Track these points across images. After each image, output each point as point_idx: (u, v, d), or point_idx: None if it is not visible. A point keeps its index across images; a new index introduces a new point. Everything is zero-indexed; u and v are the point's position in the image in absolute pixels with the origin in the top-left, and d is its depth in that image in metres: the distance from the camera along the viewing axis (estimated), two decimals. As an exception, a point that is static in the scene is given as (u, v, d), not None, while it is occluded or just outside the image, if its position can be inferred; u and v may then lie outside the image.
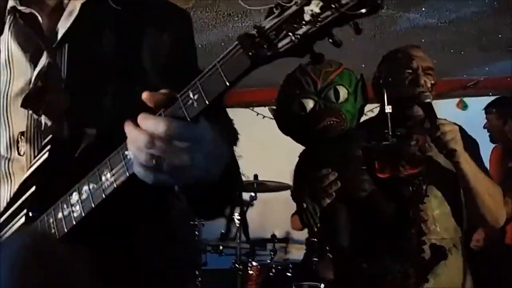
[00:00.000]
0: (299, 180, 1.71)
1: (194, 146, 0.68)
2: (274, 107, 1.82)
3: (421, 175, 1.46)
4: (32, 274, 0.72)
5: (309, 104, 1.63)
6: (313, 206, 1.52)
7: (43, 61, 0.89)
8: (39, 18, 0.91)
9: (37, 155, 0.87)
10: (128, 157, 0.73)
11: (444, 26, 3.17)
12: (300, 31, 0.60)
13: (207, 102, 0.66)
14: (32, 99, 0.87)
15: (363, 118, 1.74)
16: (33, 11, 0.92)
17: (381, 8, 0.59)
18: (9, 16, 0.93)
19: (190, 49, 1.03)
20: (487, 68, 4.26)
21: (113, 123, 0.75)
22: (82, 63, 0.90)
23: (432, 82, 1.62)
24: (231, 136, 1.02)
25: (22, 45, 0.92)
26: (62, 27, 0.91)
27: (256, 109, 4.96)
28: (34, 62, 0.90)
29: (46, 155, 0.84)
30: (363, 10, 0.58)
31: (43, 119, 0.88)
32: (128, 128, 0.70)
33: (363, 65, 3.16)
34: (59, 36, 0.91)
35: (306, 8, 0.60)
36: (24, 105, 0.87)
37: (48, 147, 0.85)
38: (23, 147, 0.89)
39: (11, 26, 0.93)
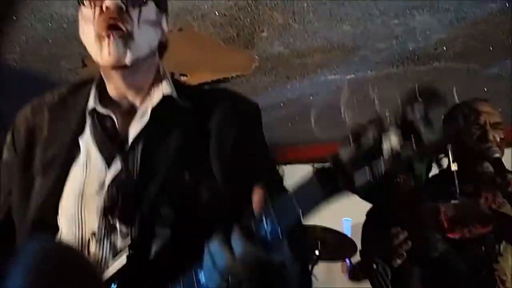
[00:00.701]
0: (367, 239, 1.70)
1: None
2: None
3: (493, 234, 1.42)
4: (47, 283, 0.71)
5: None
6: (384, 267, 1.50)
7: (117, 165, 0.92)
8: (115, 120, 0.96)
9: (106, 256, 0.88)
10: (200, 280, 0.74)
11: (507, 74, 3.10)
12: (379, 169, 0.57)
13: (280, 233, 0.66)
14: (107, 204, 0.89)
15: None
16: (110, 113, 0.96)
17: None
18: (89, 117, 0.97)
19: (256, 144, 1.02)
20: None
21: (185, 223, 0.80)
22: (152, 164, 0.92)
23: (502, 136, 1.59)
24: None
25: (99, 147, 0.95)
26: (134, 130, 0.95)
27: (317, 165, 4.97)
28: (108, 164, 0.93)
29: (124, 260, 0.84)
30: (443, 155, 0.56)
31: (117, 222, 0.89)
32: None
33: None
34: (130, 139, 0.94)
35: (385, 143, 0.58)
36: (100, 209, 0.89)
37: (126, 251, 0.85)
38: (93, 247, 0.89)
39: (91, 128, 0.96)
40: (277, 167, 1.06)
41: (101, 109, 0.96)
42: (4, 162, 1.02)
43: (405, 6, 2.25)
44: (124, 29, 0.91)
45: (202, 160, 0.93)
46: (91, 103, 0.98)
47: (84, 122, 0.97)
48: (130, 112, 0.98)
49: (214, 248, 0.72)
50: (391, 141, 0.57)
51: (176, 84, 1.03)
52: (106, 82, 1.01)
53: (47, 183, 0.94)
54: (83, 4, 0.94)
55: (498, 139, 1.57)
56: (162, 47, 1.04)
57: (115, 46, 0.90)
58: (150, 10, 0.96)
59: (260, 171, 0.96)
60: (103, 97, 0.99)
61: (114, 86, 0.99)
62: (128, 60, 0.91)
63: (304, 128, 4.18)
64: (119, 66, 0.93)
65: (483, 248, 1.42)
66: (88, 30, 0.93)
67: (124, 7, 0.91)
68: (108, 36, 0.90)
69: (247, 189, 0.81)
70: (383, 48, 2.70)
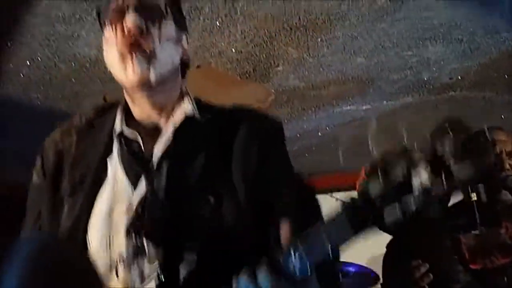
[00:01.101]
0: (388, 272, 1.68)
1: None
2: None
3: None
4: (42, 279, 0.70)
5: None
6: None
7: (143, 186, 0.93)
8: (141, 142, 0.97)
9: (134, 280, 0.88)
10: None
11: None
12: (409, 207, 0.56)
13: (309, 269, 0.66)
14: (135, 225, 0.90)
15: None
16: (136, 135, 0.97)
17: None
18: (116, 140, 0.99)
19: (280, 163, 1.01)
20: None
21: (211, 247, 0.79)
22: (177, 185, 0.92)
23: None
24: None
25: (126, 169, 0.95)
26: (158, 151, 0.95)
27: (335, 194, 4.96)
28: (135, 185, 0.93)
29: (153, 285, 0.85)
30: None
31: (145, 244, 0.89)
32: None
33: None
34: (155, 159, 0.95)
35: (415, 179, 0.56)
36: (128, 230, 0.90)
37: (154, 276, 0.85)
38: (121, 269, 0.89)
39: (118, 149, 0.98)
40: (306, 188, 1.05)
41: (127, 132, 0.98)
42: (34, 185, 1.03)
43: (418, 37, 2.29)
44: (146, 47, 0.92)
45: (226, 181, 0.92)
46: (118, 126, 0.99)
47: (111, 144, 0.98)
48: (154, 132, 0.99)
49: (242, 283, 0.73)
50: (421, 177, 0.56)
51: (198, 102, 1.02)
52: (130, 104, 1.02)
53: (76, 205, 0.94)
54: (105, 27, 0.97)
55: None
56: (184, 65, 1.05)
57: (138, 64, 0.91)
58: (169, 28, 0.98)
59: (285, 194, 0.95)
60: (129, 119, 1.01)
61: (139, 107, 1.00)
62: (152, 77, 0.93)
63: (321, 158, 4.20)
64: (143, 84, 0.94)
65: (505, 278, 1.41)
66: (112, 51, 0.95)
67: (144, 26, 0.93)
68: (131, 55, 0.92)
69: (272, 212, 0.83)
70: (398, 79, 2.73)
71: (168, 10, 0.98)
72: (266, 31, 2.15)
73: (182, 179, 0.93)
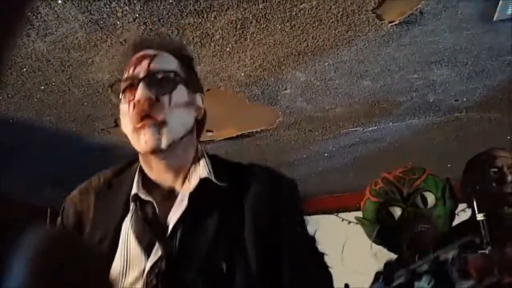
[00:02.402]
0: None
1: None
2: (361, 217, 1.85)
3: None
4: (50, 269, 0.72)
5: (397, 211, 1.66)
6: None
7: (156, 252, 0.92)
8: (156, 206, 0.97)
9: None
10: None
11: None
12: None
13: None
14: None
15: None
16: (152, 199, 0.97)
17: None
18: (132, 203, 0.99)
19: (293, 223, 1.00)
20: None
21: None
22: (190, 251, 0.92)
23: None
24: None
25: (138, 235, 0.95)
26: (174, 216, 0.95)
27: (340, 214, 4.96)
28: (148, 252, 0.93)
29: None
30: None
31: None
32: None
33: (449, 165, 3.15)
34: (171, 225, 0.94)
35: (416, 284, 0.58)
36: None
37: None
38: None
39: (132, 215, 0.97)
40: (318, 253, 1.01)
41: (143, 195, 0.98)
42: None
43: (423, 61, 2.33)
44: (156, 117, 0.95)
45: (238, 243, 0.92)
46: (134, 188, 1.00)
47: (129, 207, 0.99)
48: (170, 196, 0.99)
49: None
50: (423, 286, 0.58)
51: (214, 161, 1.04)
52: (146, 168, 1.03)
53: None
54: (120, 100, 1.01)
55: None
56: (199, 124, 1.07)
57: (150, 135, 0.94)
58: (181, 94, 1.00)
59: (299, 258, 0.95)
60: (145, 181, 1.02)
61: (155, 171, 1.02)
62: (164, 145, 0.95)
63: (327, 179, 4.22)
64: (156, 152, 0.96)
65: None
66: (126, 123, 0.98)
67: (154, 97, 0.96)
68: (143, 127, 0.95)
69: (285, 279, 0.83)
70: (403, 101, 2.77)
71: (178, 77, 1.00)
72: (274, 56, 2.20)
73: (195, 243, 0.93)
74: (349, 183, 4.21)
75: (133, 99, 0.96)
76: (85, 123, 2.83)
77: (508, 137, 3.32)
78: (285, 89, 2.56)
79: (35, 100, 2.52)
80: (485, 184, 1.60)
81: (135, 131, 0.96)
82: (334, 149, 3.56)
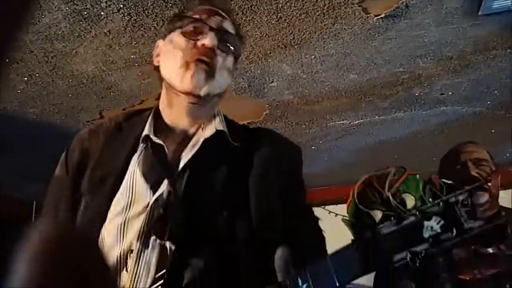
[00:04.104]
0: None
1: None
2: (347, 218, 1.87)
3: (502, 275, 1.43)
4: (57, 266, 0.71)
5: (378, 215, 1.69)
6: None
7: (163, 188, 0.95)
8: (166, 149, 1.00)
9: (140, 275, 0.89)
10: None
11: (509, 116, 3.16)
12: (418, 249, 0.58)
13: None
14: (150, 225, 0.92)
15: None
16: (162, 142, 1.00)
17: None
18: (142, 143, 1.02)
19: (296, 188, 1.05)
20: None
21: (219, 257, 0.81)
22: (195, 194, 0.96)
23: (487, 171, 1.61)
24: None
25: (145, 174, 0.98)
26: (185, 157, 0.99)
27: (328, 207, 4.99)
28: (154, 189, 0.95)
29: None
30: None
31: (157, 243, 0.91)
32: None
33: (434, 158, 3.18)
34: (181, 165, 0.98)
35: (426, 223, 0.59)
36: (142, 229, 0.91)
37: (159, 279, 0.87)
38: (130, 264, 0.91)
39: (140, 153, 1.01)
40: (313, 216, 1.07)
41: (154, 137, 1.01)
42: (56, 177, 1.07)
43: (409, 55, 2.34)
44: (210, 64, 1.00)
45: (242, 197, 0.96)
46: (146, 130, 1.03)
47: (137, 148, 1.02)
48: (183, 140, 1.03)
49: None
50: (433, 225, 0.58)
51: (227, 121, 1.09)
52: (165, 107, 1.07)
53: (93, 203, 0.97)
54: (174, 32, 1.04)
55: (484, 175, 1.59)
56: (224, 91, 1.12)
57: (198, 76, 0.98)
58: (230, 60, 1.06)
59: (297, 217, 0.99)
60: (158, 125, 1.05)
61: (175, 111, 1.05)
62: (203, 92, 1.00)
63: (314, 171, 4.24)
64: (193, 94, 1.00)
65: None
66: (175, 56, 1.01)
67: (216, 49, 1.01)
68: (196, 67, 0.99)
69: (282, 234, 0.85)
70: (389, 95, 2.78)
71: (234, 47, 1.06)
72: (261, 48, 2.19)
73: (201, 188, 0.97)
74: (336, 175, 4.23)
75: (197, 39, 1.01)
76: (70, 115, 2.80)
77: (493, 131, 3.36)
78: (272, 82, 2.56)
79: (18, 91, 2.48)
80: (452, 179, 1.63)
81: (185, 67, 1.00)
82: (321, 142, 3.57)
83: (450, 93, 2.79)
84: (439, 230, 0.57)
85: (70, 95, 2.56)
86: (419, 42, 2.22)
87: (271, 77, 2.50)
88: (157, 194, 0.94)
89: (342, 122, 3.21)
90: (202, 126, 1.05)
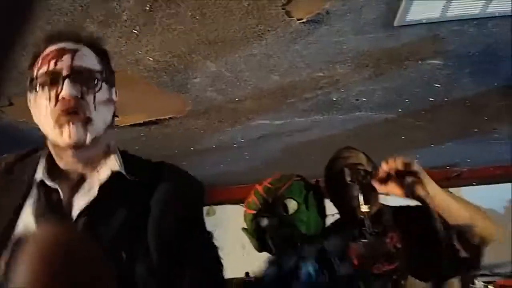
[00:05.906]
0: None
1: None
2: (245, 228, 1.92)
3: (398, 270, 1.53)
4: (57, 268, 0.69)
5: (264, 221, 1.76)
6: None
7: None
8: (61, 193, 0.97)
9: None
10: None
11: (423, 124, 3.38)
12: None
13: None
14: None
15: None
16: (57, 186, 0.97)
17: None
18: (36, 189, 0.98)
19: (195, 225, 1.05)
20: (468, 160, 4.44)
21: None
22: (95, 236, 0.93)
23: (362, 174, 1.67)
24: None
25: (39, 220, 0.94)
26: (80, 203, 0.96)
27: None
28: None
29: None
30: None
31: None
32: None
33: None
34: (75, 213, 0.95)
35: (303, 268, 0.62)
36: None
37: None
38: None
39: (35, 198, 0.97)
40: (214, 250, 1.08)
41: (49, 182, 0.98)
42: None
43: (328, 60, 2.43)
44: (82, 115, 0.96)
45: (141, 239, 0.94)
46: (39, 174, 0.99)
47: (29, 193, 0.97)
48: (78, 183, 1.00)
49: None
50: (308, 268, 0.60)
51: (124, 155, 1.06)
52: (56, 157, 1.02)
53: None
54: (33, 90, 0.99)
55: (359, 178, 1.66)
56: (113, 116, 1.10)
57: (75, 131, 0.95)
58: (103, 91, 1.02)
59: (195, 255, 1.00)
60: (52, 168, 1.01)
61: (65, 160, 1.02)
62: (88, 140, 0.97)
63: (235, 169, 4.27)
64: (78, 146, 0.97)
65: (390, 283, 1.53)
66: (43, 115, 0.97)
67: (79, 95, 0.97)
68: (68, 123, 0.95)
69: (181, 272, 0.88)
70: (309, 98, 2.87)
71: (100, 76, 1.01)
72: (185, 43, 2.17)
73: (98, 233, 0.94)
74: (256, 174, 4.28)
75: (56, 94, 0.96)
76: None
77: (402, 137, 3.58)
78: (195, 78, 2.54)
79: None
80: (332, 188, 1.76)
81: (58, 126, 0.96)
82: (243, 140, 3.60)
83: (364, 99, 2.93)
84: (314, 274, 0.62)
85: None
86: (338, 49, 2.31)
87: (194, 73, 2.49)
88: None
89: (264, 121, 3.26)
90: (97, 168, 1.02)
